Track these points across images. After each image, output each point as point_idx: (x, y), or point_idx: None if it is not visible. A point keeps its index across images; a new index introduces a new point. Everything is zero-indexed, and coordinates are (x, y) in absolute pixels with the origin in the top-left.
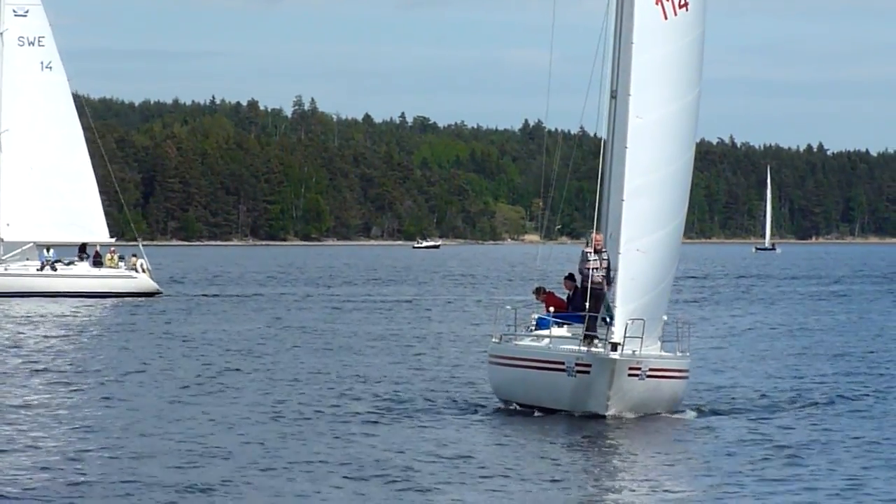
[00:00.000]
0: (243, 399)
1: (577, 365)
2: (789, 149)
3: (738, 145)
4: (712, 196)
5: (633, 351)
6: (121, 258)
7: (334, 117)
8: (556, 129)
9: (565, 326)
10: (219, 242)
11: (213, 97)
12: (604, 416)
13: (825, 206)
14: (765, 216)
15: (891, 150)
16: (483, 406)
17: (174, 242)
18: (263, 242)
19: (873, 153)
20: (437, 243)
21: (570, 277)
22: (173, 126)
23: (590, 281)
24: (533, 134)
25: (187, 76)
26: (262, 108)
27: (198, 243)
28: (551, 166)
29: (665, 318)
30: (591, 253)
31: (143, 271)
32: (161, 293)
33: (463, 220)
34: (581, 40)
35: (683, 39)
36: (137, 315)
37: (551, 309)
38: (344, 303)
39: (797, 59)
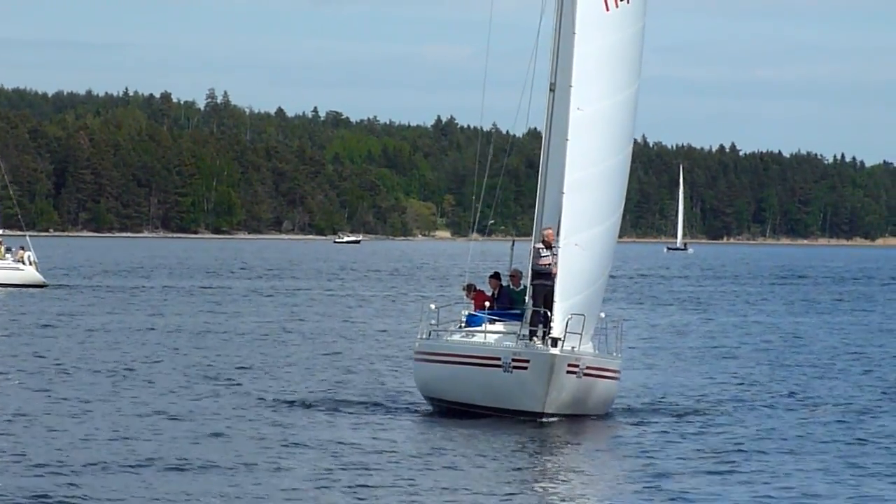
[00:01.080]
0: (161, 390)
1: (513, 360)
2: (702, 149)
3: (651, 144)
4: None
5: (573, 347)
6: (7, 250)
7: (247, 111)
8: (469, 126)
9: (498, 323)
10: (130, 234)
11: (127, 89)
12: (538, 414)
13: (737, 206)
14: (677, 216)
15: (803, 152)
16: (406, 404)
17: (85, 233)
18: (174, 235)
19: (786, 154)
20: (358, 238)
21: (496, 276)
22: (86, 117)
23: (550, 274)
24: (445, 130)
25: (101, 67)
26: (174, 100)
27: (109, 235)
28: (485, 159)
29: (603, 315)
30: (542, 248)
31: (30, 264)
32: (47, 285)
33: (374, 216)
34: (502, 37)
35: (625, 32)
36: (20, 307)
37: (486, 304)
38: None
39: (711, 59)
